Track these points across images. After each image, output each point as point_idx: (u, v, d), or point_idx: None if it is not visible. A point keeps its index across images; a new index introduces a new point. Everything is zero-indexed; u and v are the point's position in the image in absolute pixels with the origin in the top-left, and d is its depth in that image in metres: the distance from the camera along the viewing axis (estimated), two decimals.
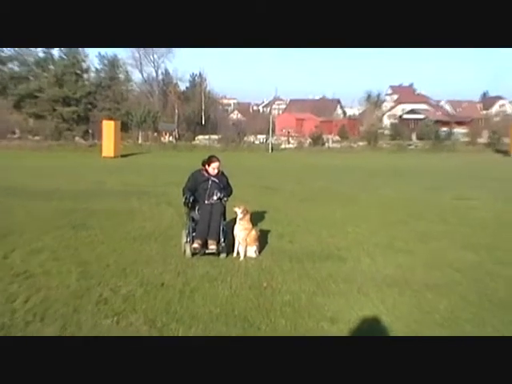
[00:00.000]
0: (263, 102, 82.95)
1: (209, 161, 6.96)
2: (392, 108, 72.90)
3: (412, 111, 66.12)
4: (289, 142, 47.01)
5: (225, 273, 6.00)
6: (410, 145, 44.90)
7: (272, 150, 40.29)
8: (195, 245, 6.53)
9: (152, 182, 15.65)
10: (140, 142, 41.61)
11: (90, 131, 40.94)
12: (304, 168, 24.14)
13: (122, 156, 29.62)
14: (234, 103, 77.43)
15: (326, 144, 45.49)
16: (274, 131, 47.57)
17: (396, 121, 60.25)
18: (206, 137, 45.71)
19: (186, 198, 6.79)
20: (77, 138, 40.65)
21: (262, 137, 48.85)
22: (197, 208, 6.83)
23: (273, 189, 14.49)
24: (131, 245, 7.23)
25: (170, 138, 45.45)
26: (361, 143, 45.54)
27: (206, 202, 6.81)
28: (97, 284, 5.44)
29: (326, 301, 5.08)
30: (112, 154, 28.74)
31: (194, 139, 45.91)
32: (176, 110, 47.97)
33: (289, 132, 50.52)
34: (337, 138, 54.61)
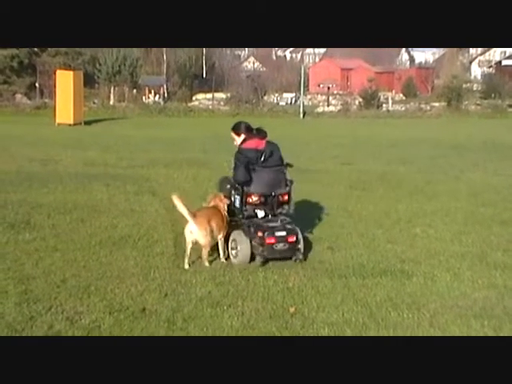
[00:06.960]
0: None
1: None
2: (485, 51, 72.15)
3: None
4: (329, 104, 46.87)
5: (234, 294, 6.01)
6: None
7: (304, 114, 40.19)
8: None
9: (128, 162, 15.66)
10: (112, 102, 41.76)
11: (38, 86, 41.10)
12: (352, 141, 23.99)
13: (86, 123, 29.72)
14: None
15: (385, 106, 45.24)
16: (307, 87, 47.40)
17: (491, 70, 59.57)
18: (209, 96, 45.77)
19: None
20: (18, 96, 40.83)
21: (289, 96, 48.73)
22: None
23: (305, 171, 14.42)
24: (97, 253, 7.26)
25: (156, 98, 45.55)
26: (437, 104, 45.20)
27: None
28: (45, 310, 5.45)
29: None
30: (70, 121, 28.87)
31: (190, 99, 45.97)
32: (164, 56, 48.07)
33: (329, 88, 50.35)
34: (400, 96, 54.13)
